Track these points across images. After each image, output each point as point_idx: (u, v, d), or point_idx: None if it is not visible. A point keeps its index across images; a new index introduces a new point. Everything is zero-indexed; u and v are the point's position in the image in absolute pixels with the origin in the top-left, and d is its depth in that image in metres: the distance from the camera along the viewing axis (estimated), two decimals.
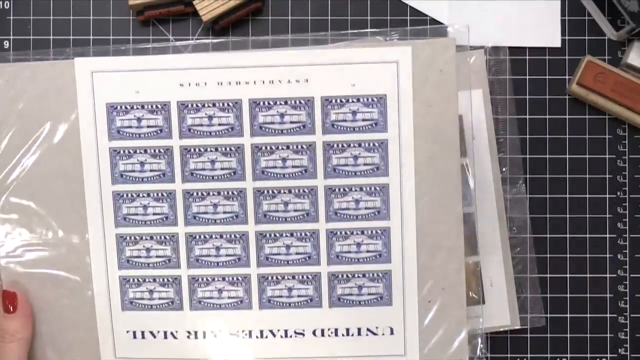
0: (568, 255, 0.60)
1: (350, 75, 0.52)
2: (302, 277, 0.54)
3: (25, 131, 0.53)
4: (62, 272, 0.54)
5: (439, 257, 0.53)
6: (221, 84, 0.52)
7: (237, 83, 0.53)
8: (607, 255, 0.60)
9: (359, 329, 0.54)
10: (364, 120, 0.53)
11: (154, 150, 0.53)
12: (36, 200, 0.53)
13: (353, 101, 0.53)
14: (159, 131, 0.53)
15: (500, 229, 0.58)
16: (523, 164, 0.59)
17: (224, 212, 0.53)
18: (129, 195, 0.53)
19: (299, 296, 0.54)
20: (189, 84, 0.53)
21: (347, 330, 0.54)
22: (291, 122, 0.53)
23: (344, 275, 0.54)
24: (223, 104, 0.53)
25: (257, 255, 0.54)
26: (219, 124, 0.53)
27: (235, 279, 0.54)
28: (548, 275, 0.59)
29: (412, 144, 0.53)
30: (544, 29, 0.60)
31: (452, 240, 0.53)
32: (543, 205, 0.59)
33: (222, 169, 0.53)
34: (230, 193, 0.53)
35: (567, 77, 0.60)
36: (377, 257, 0.53)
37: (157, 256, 0.54)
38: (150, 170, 0.53)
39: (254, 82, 0.53)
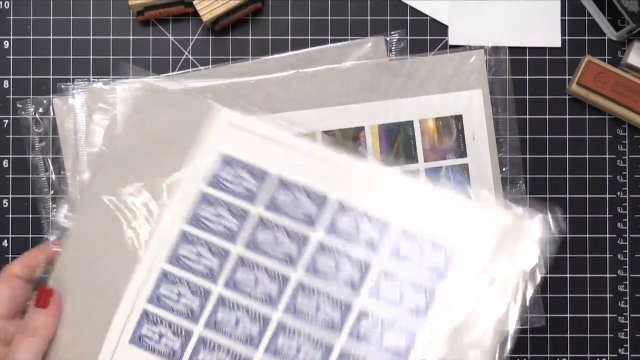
0: (568, 256, 0.60)
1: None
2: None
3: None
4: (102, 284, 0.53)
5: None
6: None
7: None
8: (607, 255, 0.60)
9: None
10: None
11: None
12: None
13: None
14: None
15: None
16: (523, 164, 0.59)
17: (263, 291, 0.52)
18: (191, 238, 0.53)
19: None
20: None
21: None
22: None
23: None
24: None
25: (270, 342, 0.52)
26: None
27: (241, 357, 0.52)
28: (548, 275, 0.59)
29: None
30: (544, 29, 0.60)
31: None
32: (543, 205, 0.59)
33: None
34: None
35: (567, 77, 0.60)
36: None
37: (184, 303, 0.52)
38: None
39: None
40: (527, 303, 0.49)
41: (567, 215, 0.60)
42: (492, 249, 0.50)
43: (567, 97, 0.60)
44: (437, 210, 0.51)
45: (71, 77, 0.59)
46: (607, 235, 0.60)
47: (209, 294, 0.52)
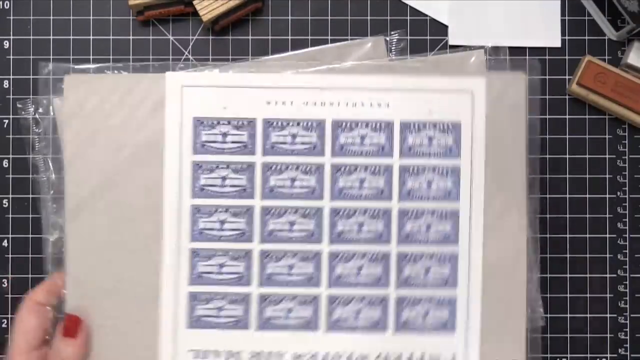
0: (568, 255, 0.60)
1: (427, 101, 0.53)
2: (372, 299, 0.53)
3: (114, 145, 0.53)
4: (129, 285, 0.53)
5: (502, 285, 0.53)
6: (307, 103, 0.53)
7: (322, 104, 0.53)
8: (607, 255, 0.60)
9: (422, 355, 0.54)
10: (439, 146, 0.53)
11: (237, 166, 0.53)
12: (111, 212, 0.53)
13: (430, 127, 0.53)
14: (243, 147, 0.53)
15: None
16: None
17: (300, 230, 0.53)
18: (207, 209, 0.53)
19: (366, 319, 0.53)
20: (276, 102, 0.53)
21: (411, 355, 0.53)
22: (370, 145, 0.53)
23: (411, 300, 0.54)
24: (307, 124, 0.53)
25: (329, 276, 0.53)
26: (302, 143, 0.53)
27: (305, 299, 0.53)
28: (548, 275, 0.59)
29: (483, 172, 0.53)
30: (544, 29, 0.60)
31: (515, 271, 0.53)
32: (543, 205, 0.59)
33: (301, 187, 0.53)
34: (307, 211, 0.53)
35: (567, 77, 0.60)
36: (444, 282, 0.53)
37: (229, 272, 0.53)
38: (231, 186, 0.53)
39: (338, 104, 0.53)
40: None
41: (567, 216, 0.60)
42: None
43: (567, 97, 0.60)
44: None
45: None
46: (607, 235, 0.60)
47: (250, 253, 0.53)
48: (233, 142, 0.53)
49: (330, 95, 0.53)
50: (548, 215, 0.59)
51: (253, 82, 0.53)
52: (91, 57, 0.60)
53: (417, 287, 0.53)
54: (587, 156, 0.60)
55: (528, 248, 0.53)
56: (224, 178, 0.53)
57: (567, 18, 0.60)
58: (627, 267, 0.60)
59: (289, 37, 0.60)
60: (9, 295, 0.59)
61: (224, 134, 0.53)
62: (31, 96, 0.59)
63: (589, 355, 0.59)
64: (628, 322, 0.59)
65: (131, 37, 0.60)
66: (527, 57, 0.60)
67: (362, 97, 0.53)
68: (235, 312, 0.53)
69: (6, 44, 0.60)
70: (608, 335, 0.59)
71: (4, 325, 0.59)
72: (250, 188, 0.53)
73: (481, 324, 0.53)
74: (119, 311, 0.53)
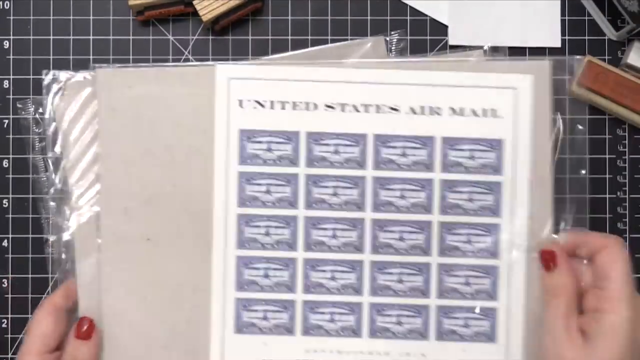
0: None
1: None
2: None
3: (157, 136, 0.54)
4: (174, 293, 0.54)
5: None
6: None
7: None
8: None
9: None
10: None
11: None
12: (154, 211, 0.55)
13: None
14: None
15: None
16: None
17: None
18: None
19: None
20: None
21: None
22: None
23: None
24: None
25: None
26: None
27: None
28: None
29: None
30: (544, 29, 0.60)
31: None
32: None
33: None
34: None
35: (567, 77, 0.60)
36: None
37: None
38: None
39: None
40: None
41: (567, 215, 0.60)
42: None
43: (567, 97, 0.60)
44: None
45: None
46: None
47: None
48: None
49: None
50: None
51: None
52: (91, 57, 0.60)
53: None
54: (587, 156, 0.60)
55: None
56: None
57: (567, 18, 0.60)
58: None
59: (289, 37, 0.60)
60: (9, 295, 0.59)
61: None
62: (31, 96, 0.59)
63: None
64: None
65: (131, 37, 0.60)
66: (527, 57, 0.60)
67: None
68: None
69: (6, 44, 0.60)
70: None
71: (4, 325, 0.59)
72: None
73: (523, 332, 0.54)
74: (134, 313, 0.54)
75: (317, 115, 0.54)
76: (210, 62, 0.56)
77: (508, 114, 0.54)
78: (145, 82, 0.54)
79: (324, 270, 0.54)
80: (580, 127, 0.57)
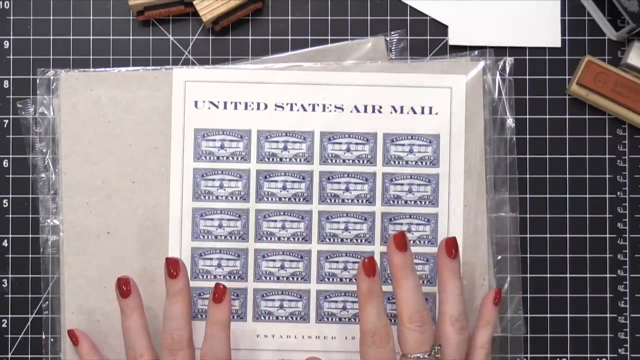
0: (568, 255, 0.60)
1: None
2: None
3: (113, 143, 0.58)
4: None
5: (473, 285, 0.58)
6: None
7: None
8: (607, 255, 0.60)
9: None
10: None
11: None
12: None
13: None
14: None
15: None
16: (523, 165, 0.59)
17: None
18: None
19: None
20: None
21: None
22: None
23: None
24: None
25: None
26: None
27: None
28: (548, 275, 0.59)
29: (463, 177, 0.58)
30: (544, 29, 0.60)
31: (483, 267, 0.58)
32: (543, 205, 0.59)
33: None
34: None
35: (567, 77, 0.60)
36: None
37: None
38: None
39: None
40: None
41: (567, 215, 0.60)
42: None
43: (567, 97, 0.60)
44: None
45: None
46: (607, 235, 0.60)
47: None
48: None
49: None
50: (548, 215, 0.59)
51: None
52: (91, 57, 0.60)
53: None
54: (587, 156, 0.60)
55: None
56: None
57: (567, 18, 0.60)
58: (627, 267, 0.60)
59: (289, 37, 0.60)
60: (9, 295, 0.59)
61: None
62: (31, 96, 0.59)
63: (589, 355, 0.59)
64: (628, 322, 0.59)
65: (131, 37, 0.60)
66: (527, 57, 0.60)
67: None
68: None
69: (6, 44, 0.60)
70: (608, 335, 0.59)
71: (4, 325, 0.59)
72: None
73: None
74: (95, 302, 0.57)
75: (267, 114, 0.57)
76: (168, 66, 0.59)
77: (444, 111, 0.58)
78: (107, 85, 0.58)
79: (274, 260, 0.57)
80: (511, 124, 0.59)
